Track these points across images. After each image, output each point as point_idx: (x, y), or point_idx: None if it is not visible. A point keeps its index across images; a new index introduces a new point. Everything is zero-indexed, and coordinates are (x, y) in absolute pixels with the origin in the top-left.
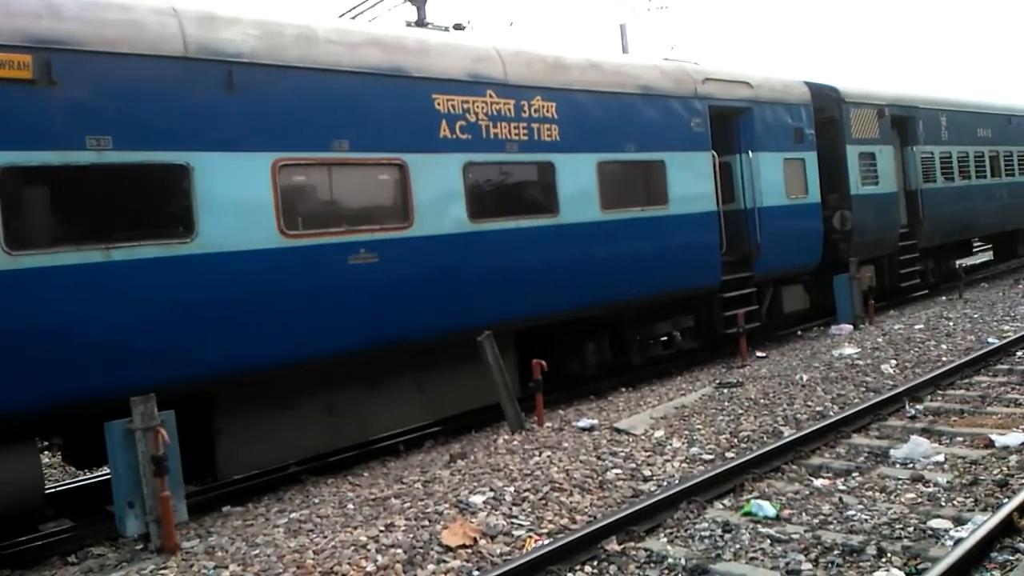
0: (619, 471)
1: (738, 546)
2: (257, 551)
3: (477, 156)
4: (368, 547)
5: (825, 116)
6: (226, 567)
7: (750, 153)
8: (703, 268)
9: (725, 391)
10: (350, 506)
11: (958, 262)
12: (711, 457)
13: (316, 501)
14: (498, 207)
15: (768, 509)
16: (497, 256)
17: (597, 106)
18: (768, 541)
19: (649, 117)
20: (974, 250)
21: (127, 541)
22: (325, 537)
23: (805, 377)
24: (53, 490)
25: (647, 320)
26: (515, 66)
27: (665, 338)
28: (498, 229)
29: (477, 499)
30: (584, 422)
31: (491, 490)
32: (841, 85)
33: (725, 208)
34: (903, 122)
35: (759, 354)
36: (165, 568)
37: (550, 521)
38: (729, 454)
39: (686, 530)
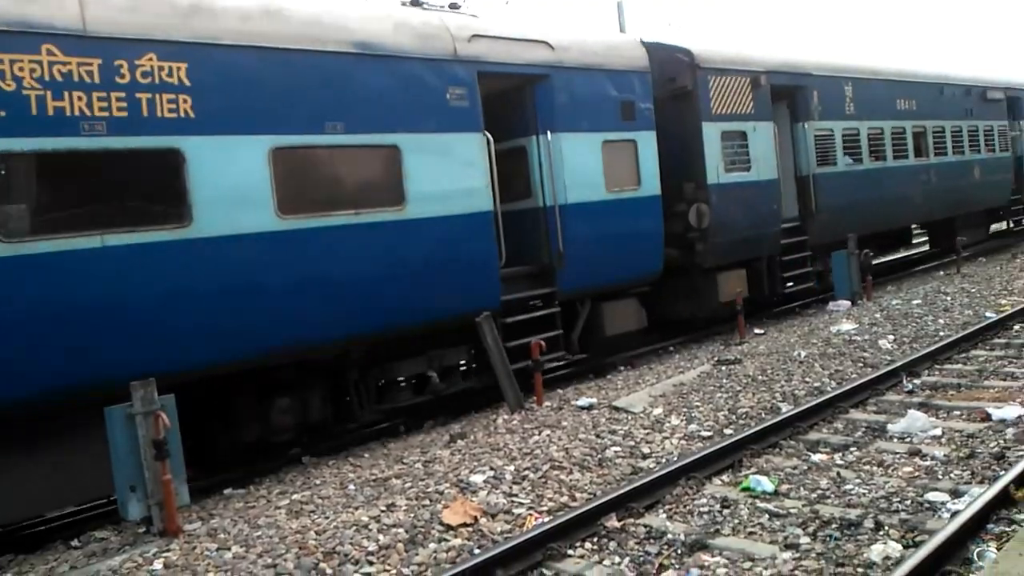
0: (618, 449)
1: (737, 521)
2: (259, 533)
3: (19, 142)
4: (370, 527)
5: (676, 87)
6: (228, 549)
7: (549, 134)
8: (469, 288)
9: (723, 368)
10: (351, 487)
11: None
12: (709, 434)
13: (317, 482)
14: (69, 217)
15: (766, 484)
16: (63, 290)
17: (273, 69)
18: (766, 516)
19: (372, 86)
20: (914, 241)
21: (129, 525)
22: (327, 518)
23: (803, 353)
24: None
25: (389, 360)
26: (104, 8)
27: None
28: (63, 250)
29: (477, 478)
30: (583, 401)
31: (491, 469)
32: (697, 47)
33: (514, 207)
34: (791, 93)
35: (757, 331)
36: (168, 551)
37: (550, 499)
38: (727, 430)
39: (685, 506)
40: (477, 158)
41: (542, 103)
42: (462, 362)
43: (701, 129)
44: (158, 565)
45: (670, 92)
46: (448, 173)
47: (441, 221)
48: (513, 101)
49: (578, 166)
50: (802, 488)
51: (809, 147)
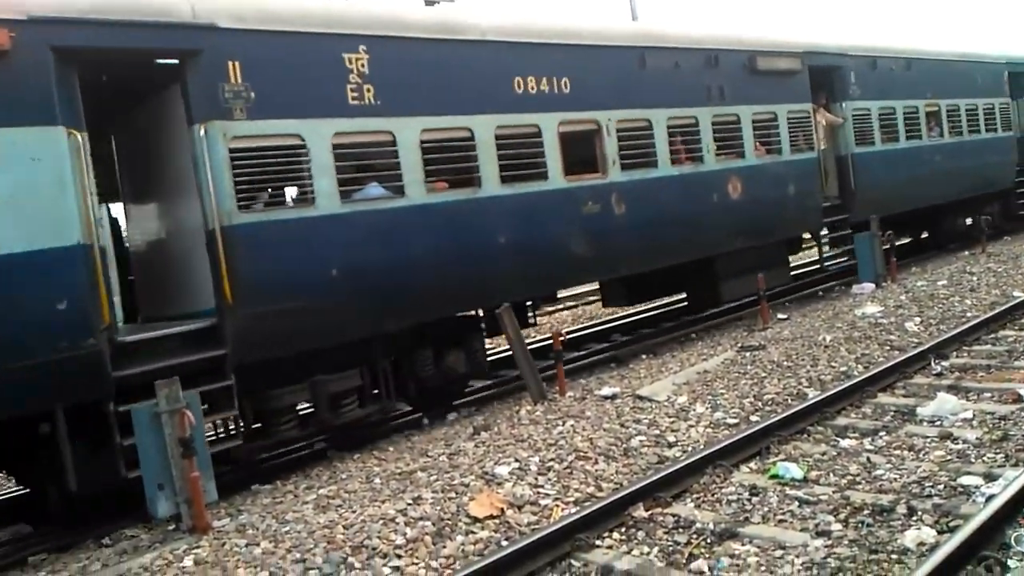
0: (643, 438)
1: (766, 509)
2: (287, 528)
3: None
4: (397, 520)
5: None
6: (258, 544)
7: None
8: None
9: (747, 354)
10: (377, 480)
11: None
12: (735, 421)
13: (343, 476)
14: None
15: (795, 471)
16: None
17: None
18: (796, 503)
19: None
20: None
21: (159, 522)
22: (354, 512)
23: (828, 338)
24: None
25: None
26: None
27: None
28: None
29: (502, 470)
30: (606, 390)
31: (516, 461)
32: None
33: None
34: (186, 76)
35: (781, 316)
36: (198, 547)
37: (576, 490)
38: (754, 417)
39: (713, 495)
40: None
41: None
42: None
43: None
44: (188, 562)
45: None
46: None
47: None
48: None
49: None
50: (832, 474)
51: (219, 175)
